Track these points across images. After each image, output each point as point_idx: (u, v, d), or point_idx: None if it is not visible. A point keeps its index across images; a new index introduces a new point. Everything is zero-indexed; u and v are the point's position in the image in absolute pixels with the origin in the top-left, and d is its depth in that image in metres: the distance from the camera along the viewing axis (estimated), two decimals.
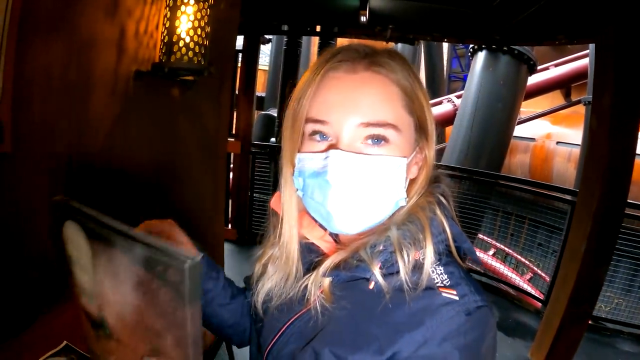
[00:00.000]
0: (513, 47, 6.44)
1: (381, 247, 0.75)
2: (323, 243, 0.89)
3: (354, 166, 0.75)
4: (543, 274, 5.72)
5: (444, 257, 0.77)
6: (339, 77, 0.79)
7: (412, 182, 0.83)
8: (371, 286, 0.75)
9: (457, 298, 0.70)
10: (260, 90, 10.68)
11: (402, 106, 0.79)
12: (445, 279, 0.73)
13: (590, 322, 4.37)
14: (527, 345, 3.78)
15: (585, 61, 9.18)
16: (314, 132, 0.79)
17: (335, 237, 0.90)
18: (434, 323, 0.69)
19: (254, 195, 5.78)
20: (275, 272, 0.91)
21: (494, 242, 6.48)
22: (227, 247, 2.92)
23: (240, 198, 5.66)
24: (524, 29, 3.97)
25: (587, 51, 8.69)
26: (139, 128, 2.10)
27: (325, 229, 0.88)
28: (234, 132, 5.46)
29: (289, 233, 0.89)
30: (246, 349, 1.06)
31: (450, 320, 0.69)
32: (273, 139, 6.26)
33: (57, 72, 1.61)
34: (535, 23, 3.61)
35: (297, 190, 0.84)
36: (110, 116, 1.91)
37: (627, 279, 5.21)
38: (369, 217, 0.78)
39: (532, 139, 11.51)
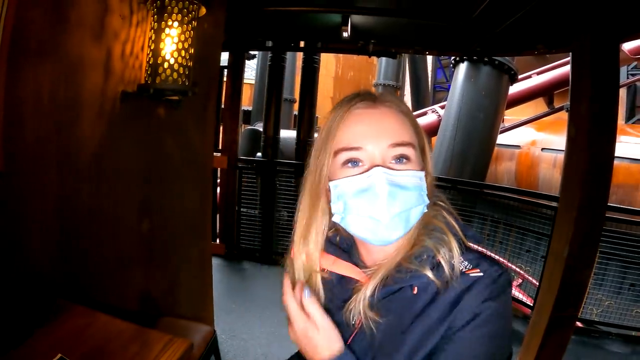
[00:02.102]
0: (494, 57, 6.50)
1: (425, 256, 0.90)
2: (354, 273, 1.00)
3: (393, 180, 0.89)
4: (533, 280, 5.75)
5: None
6: (362, 112, 0.94)
7: None
8: (415, 291, 0.91)
9: (481, 274, 0.88)
10: (246, 104, 10.70)
11: (411, 131, 0.95)
12: (467, 265, 0.89)
13: (581, 325, 4.43)
14: (515, 351, 3.81)
15: (566, 68, 9.29)
16: (347, 161, 0.92)
17: (361, 264, 1.02)
18: (471, 296, 0.86)
19: (242, 209, 5.80)
20: None
21: (482, 249, 6.49)
22: (216, 262, 2.94)
23: (228, 213, 5.67)
24: (504, 40, 4.04)
25: (569, 58, 8.79)
26: (127, 146, 2.13)
27: (349, 261, 1.02)
28: (220, 147, 5.48)
29: (313, 276, 1.03)
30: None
31: (481, 291, 0.86)
32: (259, 154, 6.28)
33: (47, 93, 1.65)
34: (514, 34, 3.67)
35: (335, 214, 0.94)
36: (99, 135, 1.94)
37: (617, 281, 5.26)
38: (406, 222, 0.91)
39: (518, 147, 11.59)
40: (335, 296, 1.01)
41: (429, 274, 0.88)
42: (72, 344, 1.34)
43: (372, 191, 0.88)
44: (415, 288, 0.90)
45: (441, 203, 1.00)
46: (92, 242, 1.97)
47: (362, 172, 0.90)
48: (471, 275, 0.88)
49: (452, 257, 0.89)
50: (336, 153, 0.93)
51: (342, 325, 0.96)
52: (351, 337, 0.96)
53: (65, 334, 1.39)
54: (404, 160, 0.91)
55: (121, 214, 2.15)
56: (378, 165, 0.89)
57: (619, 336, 4.34)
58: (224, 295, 4.32)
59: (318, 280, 1.02)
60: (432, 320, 0.87)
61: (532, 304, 4.66)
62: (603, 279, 5.13)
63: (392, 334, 0.90)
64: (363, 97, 0.96)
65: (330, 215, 0.98)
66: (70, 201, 1.83)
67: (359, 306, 0.92)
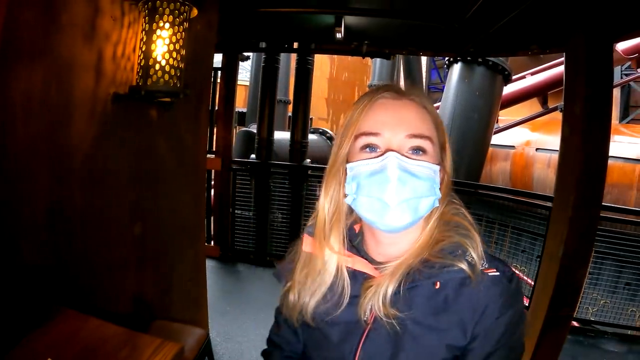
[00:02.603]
0: (488, 58, 6.50)
1: (459, 252, 0.93)
2: (367, 268, 1.00)
3: (405, 166, 0.91)
4: (529, 280, 5.77)
5: None
6: (386, 101, 0.97)
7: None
8: (437, 286, 0.92)
9: (498, 273, 0.92)
10: (241, 106, 10.64)
11: (432, 126, 0.97)
12: (484, 263, 0.92)
13: (577, 324, 4.44)
14: None
15: (560, 69, 9.31)
16: (365, 146, 0.95)
17: (369, 259, 1.02)
18: (492, 295, 0.90)
19: (236, 211, 5.80)
20: (314, 293, 1.02)
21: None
22: (210, 264, 2.93)
23: (222, 215, 5.66)
24: (498, 40, 4.04)
25: (563, 59, 8.80)
26: (118, 148, 2.12)
27: (359, 256, 1.02)
28: (214, 148, 5.48)
29: (336, 263, 1.01)
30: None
31: (502, 289, 0.91)
32: (253, 155, 6.26)
33: (38, 95, 1.64)
34: (508, 34, 3.68)
35: (348, 195, 0.96)
36: (90, 137, 1.93)
37: (612, 280, 5.28)
38: (415, 211, 0.92)
39: (512, 147, 11.62)
40: (351, 290, 1.01)
41: (465, 267, 0.90)
42: (63, 347, 1.33)
43: (383, 174, 0.90)
44: (438, 283, 0.92)
45: (456, 201, 1.03)
46: (84, 245, 1.95)
47: (377, 156, 0.93)
48: (490, 274, 0.91)
49: (478, 254, 0.92)
50: (356, 137, 0.96)
51: (351, 323, 0.97)
52: (364, 334, 0.96)
53: (57, 337, 1.38)
54: (420, 152, 0.93)
55: (113, 216, 2.14)
56: (392, 150, 0.91)
57: (615, 335, 4.35)
58: (218, 297, 4.30)
59: (343, 269, 1.01)
60: (455, 316, 0.90)
61: (527, 304, 4.66)
62: (598, 278, 5.14)
63: (413, 329, 0.92)
64: (389, 89, 0.99)
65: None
66: (62, 203, 1.82)
67: (375, 302, 0.92)
